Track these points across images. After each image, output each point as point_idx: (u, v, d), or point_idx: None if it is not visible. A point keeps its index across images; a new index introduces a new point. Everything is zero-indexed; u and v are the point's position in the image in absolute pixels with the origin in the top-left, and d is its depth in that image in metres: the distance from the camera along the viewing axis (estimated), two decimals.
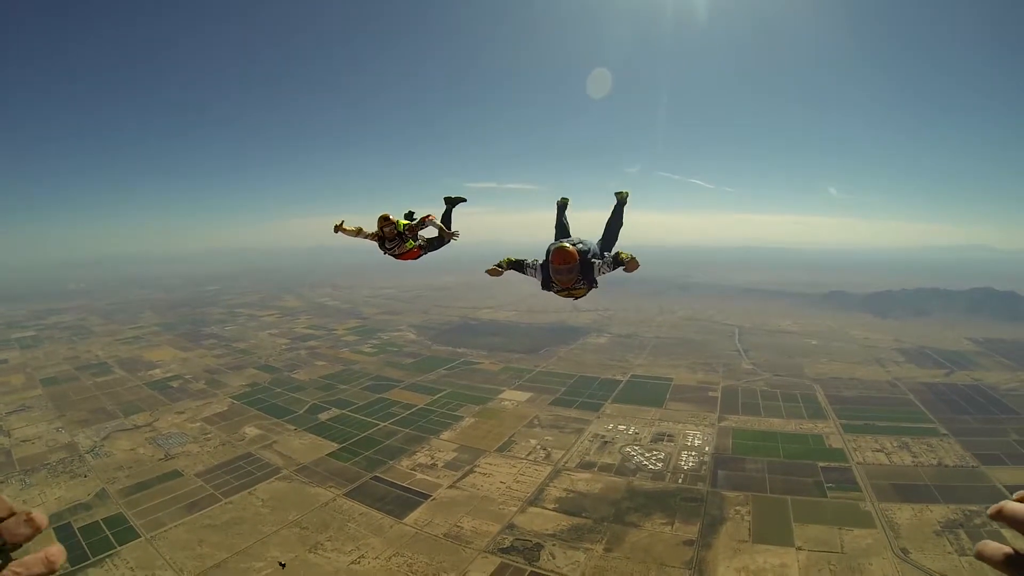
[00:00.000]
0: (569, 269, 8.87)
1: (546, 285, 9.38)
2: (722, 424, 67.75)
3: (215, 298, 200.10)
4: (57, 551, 1.84)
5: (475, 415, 72.89)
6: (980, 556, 1.88)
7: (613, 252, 9.56)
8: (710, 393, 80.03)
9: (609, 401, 77.16)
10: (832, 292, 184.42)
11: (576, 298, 9.74)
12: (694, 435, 64.38)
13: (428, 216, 10.25)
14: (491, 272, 9.63)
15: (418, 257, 10.45)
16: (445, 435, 66.34)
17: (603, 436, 64.95)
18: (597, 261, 9.10)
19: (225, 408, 77.19)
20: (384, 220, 9.66)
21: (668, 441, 63.03)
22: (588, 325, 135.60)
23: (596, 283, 9.35)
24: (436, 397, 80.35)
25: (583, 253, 9.07)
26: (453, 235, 10.65)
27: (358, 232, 9.95)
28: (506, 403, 77.66)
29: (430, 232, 10.50)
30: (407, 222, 10.00)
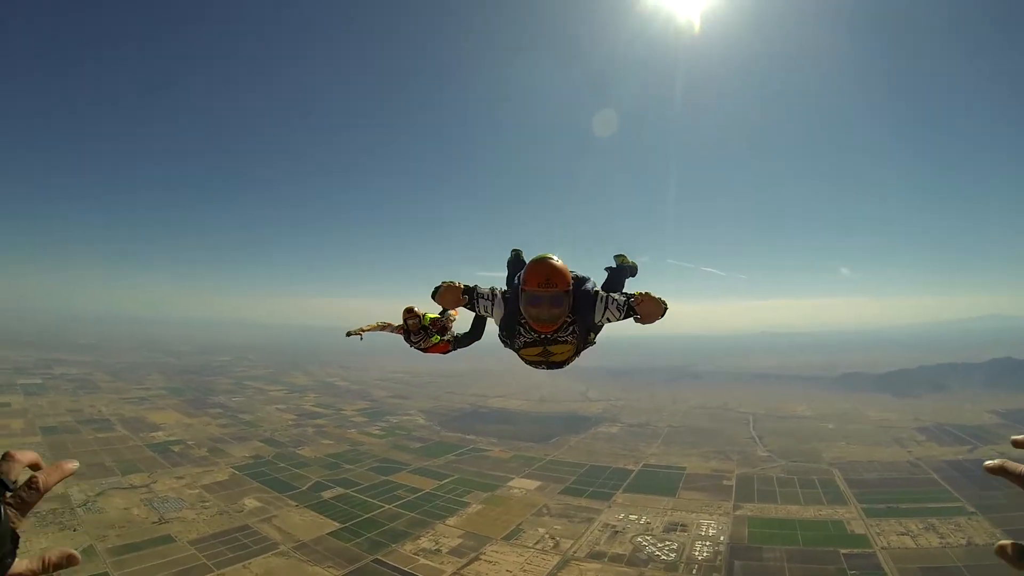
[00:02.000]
0: (554, 298, 5.46)
1: (509, 329, 6.02)
2: (737, 513, 65.43)
3: (224, 368, 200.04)
4: (72, 465, 1.89)
5: (483, 502, 71.15)
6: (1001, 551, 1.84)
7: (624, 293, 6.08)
8: (724, 481, 77.71)
9: (620, 490, 75.07)
10: (847, 374, 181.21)
11: (555, 363, 6.28)
12: (708, 524, 62.14)
13: (449, 314, 9.56)
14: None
15: (447, 352, 9.87)
16: (451, 521, 64.58)
17: (614, 526, 62.89)
18: (603, 294, 5.79)
19: (226, 477, 76.26)
20: (408, 313, 9.26)
21: (681, 531, 60.83)
22: (599, 414, 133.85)
23: (593, 336, 6.19)
24: (443, 482, 78.74)
25: (580, 281, 5.88)
26: (478, 335, 9.75)
27: (381, 327, 9.64)
28: (515, 491, 75.85)
29: (462, 327, 9.88)
30: (434, 316, 9.46)
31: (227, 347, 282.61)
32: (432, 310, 9.43)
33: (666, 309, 5.67)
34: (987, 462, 1.94)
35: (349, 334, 9.43)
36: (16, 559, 1.79)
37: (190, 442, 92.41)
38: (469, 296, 6.01)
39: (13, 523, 1.79)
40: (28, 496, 1.80)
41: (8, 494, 1.79)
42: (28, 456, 1.87)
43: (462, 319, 9.84)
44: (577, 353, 6.28)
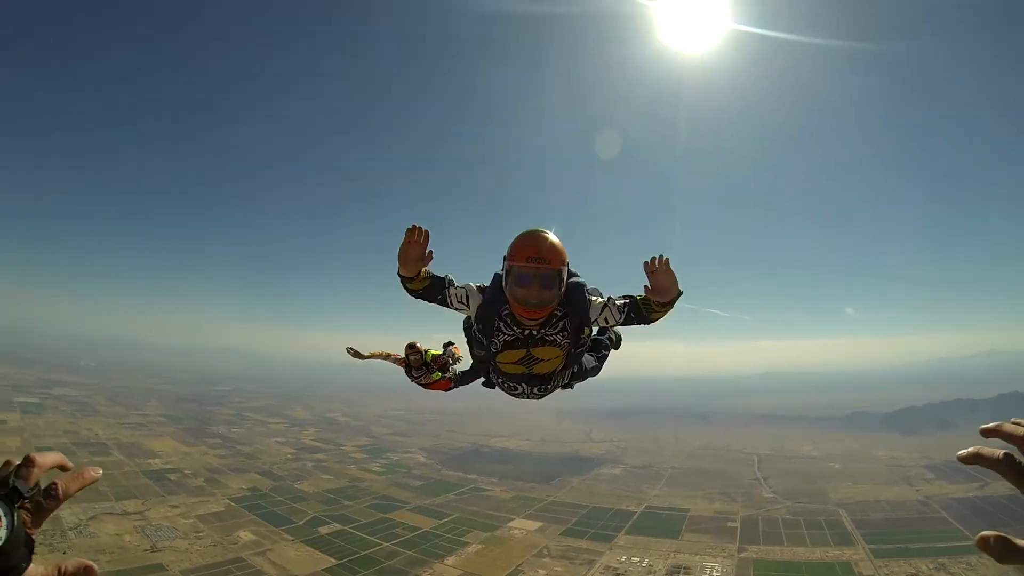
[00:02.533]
0: (545, 278, 4.46)
1: (487, 322, 4.84)
2: (742, 555, 64.02)
3: (224, 398, 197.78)
4: (95, 473, 1.73)
5: (482, 542, 69.92)
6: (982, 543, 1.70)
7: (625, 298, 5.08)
8: (729, 523, 76.25)
9: (623, 532, 73.68)
10: (853, 413, 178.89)
11: (539, 377, 5.17)
12: (712, 567, 60.83)
13: (452, 345, 9.16)
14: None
15: (448, 389, 9.48)
16: (450, 560, 63.41)
17: (615, 568, 61.67)
18: (597, 300, 4.83)
19: (221, 509, 75.16)
20: (411, 348, 8.95)
21: (685, 574, 59.59)
22: (602, 455, 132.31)
23: (587, 338, 5.01)
24: (443, 521, 77.52)
25: (571, 274, 4.74)
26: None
27: (384, 356, 9.39)
28: (515, 531, 74.57)
29: (465, 364, 9.49)
30: (436, 352, 9.18)
31: (227, 376, 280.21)
32: (435, 347, 9.22)
33: (680, 293, 4.61)
34: (960, 451, 1.83)
35: (350, 350, 9.28)
36: (32, 565, 1.74)
37: (187, 471, 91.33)
38: (437, 281, 4.88)
39: (29, 529, 1.73)
40: (47, 503, 1.72)
41: (25, 500, 1.73)
42: (51, 458, 1.76)
43: (465, 358, 8.96)
44: (566, 366, 5.09)
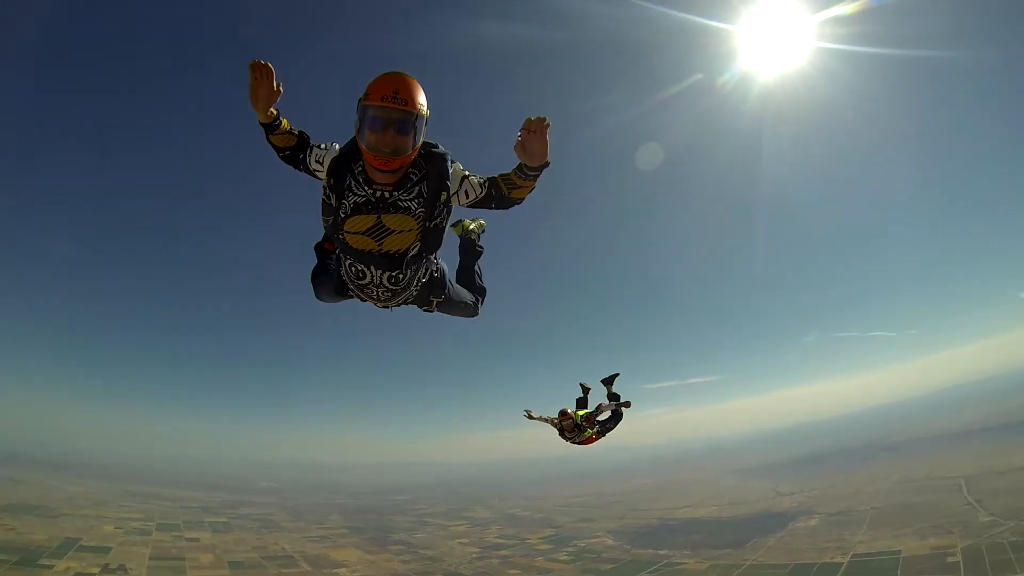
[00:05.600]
0: (402, 122, 4.08)
1: (338, 177, 4.44)
2: None
3: (402, 507, 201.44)
4: None
5: None
6: None
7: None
8: (949, 558, 72.24)
9: None
10: None
11: (389, 256, 4.68)
12: None
13: (599, 406, 10.71)
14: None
15: (595, 442, 10.94)
16: None
17: None
18: (458, 166, 4.59)
19: None
20: (563, 415, 10.42)
21: None
22: (794, 508, 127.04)
23: (444, 216, 4.63)
24: None
25: (440, 152, 4.48)
26: (626, 404, 10.98)
27: (548, 420, 10.74)
28: None
29: (603, 414, 10.93)
30: (584, 412, 10.71)
31: (403, 487, 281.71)
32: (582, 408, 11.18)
33: (548, 164, 4.32)
34: None
35: (526, 412, 10.83)
36: None
37: None
38: (303, 140, 4.57)
39: None
40: None
41: None
42: None
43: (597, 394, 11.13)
44: (422, 248, 4.72)
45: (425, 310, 5.43)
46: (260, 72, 4.21)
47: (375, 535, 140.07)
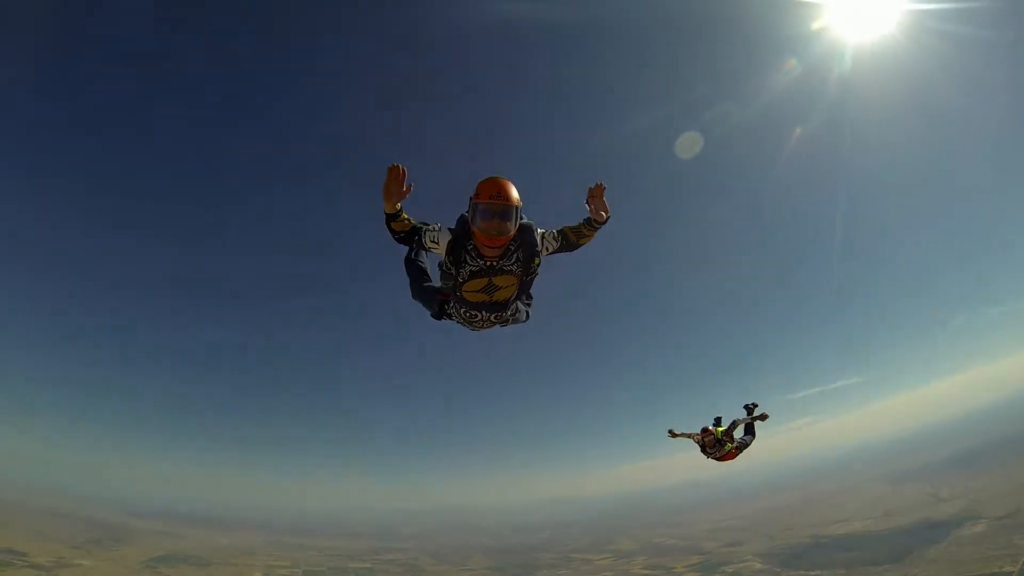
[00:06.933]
0: (504, 212, 5.86)
1: (456, 255, 6.14)
2: None
3: (545, 544, 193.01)
4: None
5: None
6: None
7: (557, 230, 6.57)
8: None
9: None
10: None
11: (497, 304, 6.46)
12: None
13: (734, 421, 11.58)
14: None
15: (735, 457, 11.60)
16: None
17: None
18: (540, 231, 6.25)
19: None
20: (705, 432, 11.13)
21: None
22: (957, 514, 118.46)
23: (535, 267, 6.31)
24: None
25: (527, 224, 6.16)
26: (762, 416, 11.66)
27: (690, 436, 11.46)
28: None
29: (738, 432, 11.61)
30: (723, 428, 11.43)
31: (544, 525, 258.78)
32: (722, 424, 12.08)
33: (609, 217, 6.31)
34: None
35: (670, 431, 11.89)
36: None
37: None
38: (416, 226, 6.27)
39: None
40: None
41: None
42: None
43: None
44: (520, 292, 6.50)
45: (501, 326, 6.95)
46: (396, 174, 5.94)
47: (517, 573, 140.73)
